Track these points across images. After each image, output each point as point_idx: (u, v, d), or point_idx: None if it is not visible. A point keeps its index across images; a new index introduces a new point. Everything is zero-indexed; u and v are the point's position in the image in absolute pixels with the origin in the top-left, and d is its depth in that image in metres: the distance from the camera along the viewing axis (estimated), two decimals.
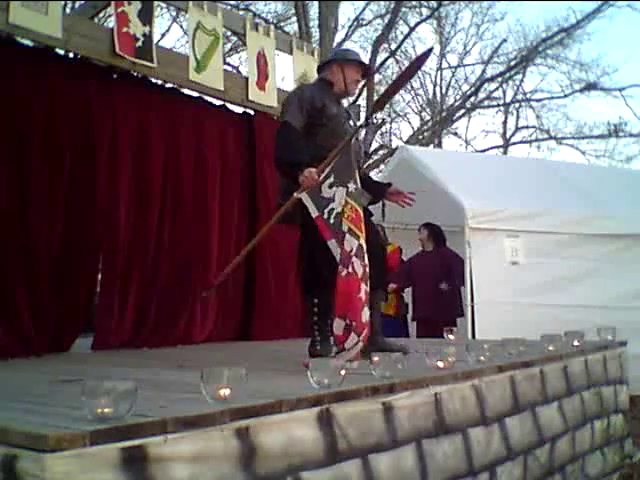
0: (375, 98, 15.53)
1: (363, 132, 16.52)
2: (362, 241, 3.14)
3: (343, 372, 2.32)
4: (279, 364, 3.59)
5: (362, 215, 3.23)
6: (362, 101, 16.30)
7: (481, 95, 18.97)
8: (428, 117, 19.93)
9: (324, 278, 3.35)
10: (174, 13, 14.75)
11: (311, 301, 3.55)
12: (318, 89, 3.65)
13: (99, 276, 4.86)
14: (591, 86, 18.52)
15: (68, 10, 10.64)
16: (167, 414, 1.80)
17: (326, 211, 3.23)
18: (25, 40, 4.40)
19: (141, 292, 4.94)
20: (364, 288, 3.11)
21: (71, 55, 4.71)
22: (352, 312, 3.06)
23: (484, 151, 19.27)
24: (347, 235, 3.12)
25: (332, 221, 3.21)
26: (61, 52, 4.69)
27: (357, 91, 3.67)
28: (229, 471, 1.87)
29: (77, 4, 12.17)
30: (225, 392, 1.96)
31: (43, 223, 4.30)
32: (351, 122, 3.77)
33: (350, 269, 3.09)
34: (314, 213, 3.25)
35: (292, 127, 3.44)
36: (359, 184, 3.34)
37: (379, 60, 16.78)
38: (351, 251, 3.10)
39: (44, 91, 4.33)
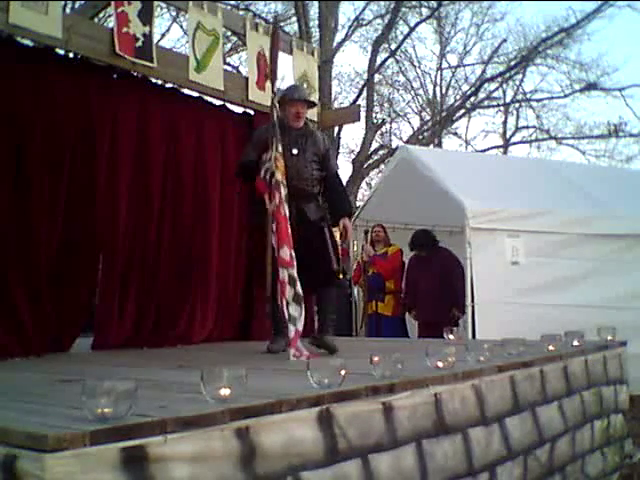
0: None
1: (365, 133, 16.53)
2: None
3: (343, 372, 2.32)
4: (279, 364, 3.59)
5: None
6: (362, 101, 16.35)
7: (481, 95, 18.97)
8: (428, 117, 19.94)
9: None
10: (174, 13, 14.77)
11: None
12: (269, 128, 4.31)
13: (99, 276, 4.86)
14: (591, 86, 18.51)
15: (68, 10, 10.64)
16: (167, 414, 1.79)
17: (262, 170, 4.07)
18: (25, 40, 4.40)
19: (141, 292, 4.95)
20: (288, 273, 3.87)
21: (71, 55, 4.71)
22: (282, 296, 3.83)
23: (484, 151, 19.27)
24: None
25: (267, 179, 4.02)
26: (61, 52, 4.69)
27: (301, 121, 4.37)
28: (229, 471, 1.86)
29: (77, 4, 12.18)
30: (225, 392, 1.96)
31: (43, 223, 4.30)
32: (307, 143, 4.33)
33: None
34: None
35: (241, 161, 4.47)
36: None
37: (379, 60, 16.78)
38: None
39: (44, 91, 4.34)
